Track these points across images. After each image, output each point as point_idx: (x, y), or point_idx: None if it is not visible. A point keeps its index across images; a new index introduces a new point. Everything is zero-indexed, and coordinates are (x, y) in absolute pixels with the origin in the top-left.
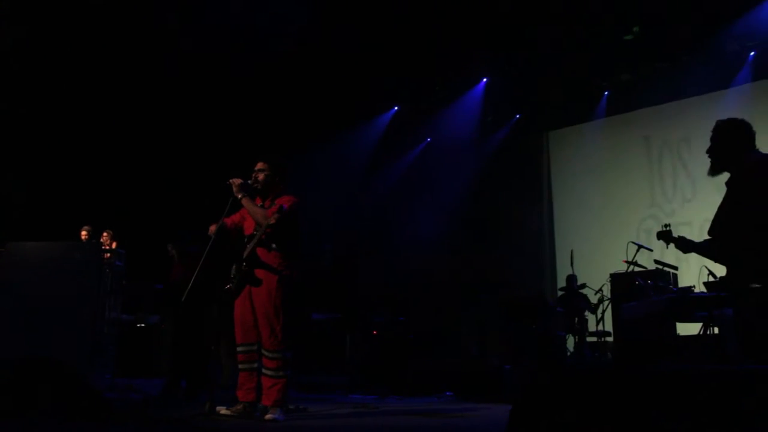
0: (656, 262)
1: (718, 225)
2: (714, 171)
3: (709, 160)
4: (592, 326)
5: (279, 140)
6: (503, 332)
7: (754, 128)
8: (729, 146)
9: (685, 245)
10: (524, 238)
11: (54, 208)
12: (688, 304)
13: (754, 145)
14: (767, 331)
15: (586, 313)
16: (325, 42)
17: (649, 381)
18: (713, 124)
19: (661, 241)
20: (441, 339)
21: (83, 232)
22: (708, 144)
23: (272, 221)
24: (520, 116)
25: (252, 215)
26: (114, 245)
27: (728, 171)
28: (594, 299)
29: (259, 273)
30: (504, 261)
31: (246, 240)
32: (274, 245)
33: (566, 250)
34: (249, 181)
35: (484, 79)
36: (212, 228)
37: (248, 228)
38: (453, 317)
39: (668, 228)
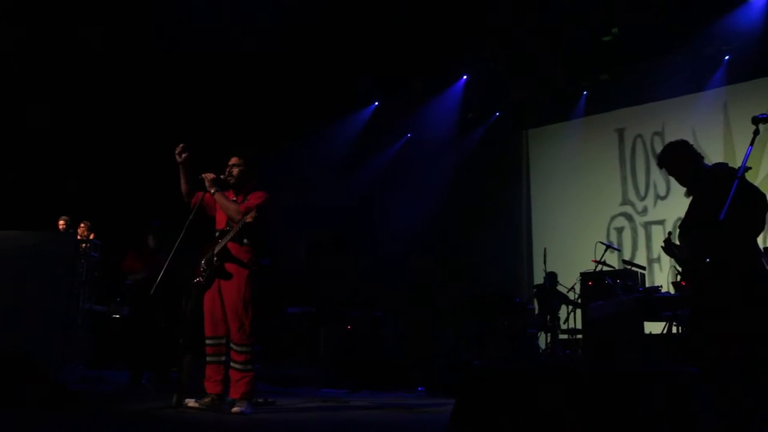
0: (624, 262)
1: (683, 233)
2: (690, 192)
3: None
4: (564, 324)
5: (259, 135)
6: (476, 329)
7: (730, 129)
8: (686, 167)
9: (669, 250)
10: (503, 236)
11: (33, 198)
12: (653, 303)
13: (699, 155)
14: (708, 329)
15: (569, 310)
16: (306, 37)
17: (580, 379)
18: (689, 123)
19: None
20: (416, 334)
21: (61, 222)
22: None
23: (249, 220)
24: (500, 114)
25: (224, 210)
26: (92, 236)
27: (696, 185)
28: (571, 297)
29: (230, 267)
30: (482, 258)
31: (218, 234)
32: (245, 240)
33: (544, 247)
34: (222, 176)
35: (464, 77)
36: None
37: (220, 222)
38: (428, 313)
39: (669, 236)
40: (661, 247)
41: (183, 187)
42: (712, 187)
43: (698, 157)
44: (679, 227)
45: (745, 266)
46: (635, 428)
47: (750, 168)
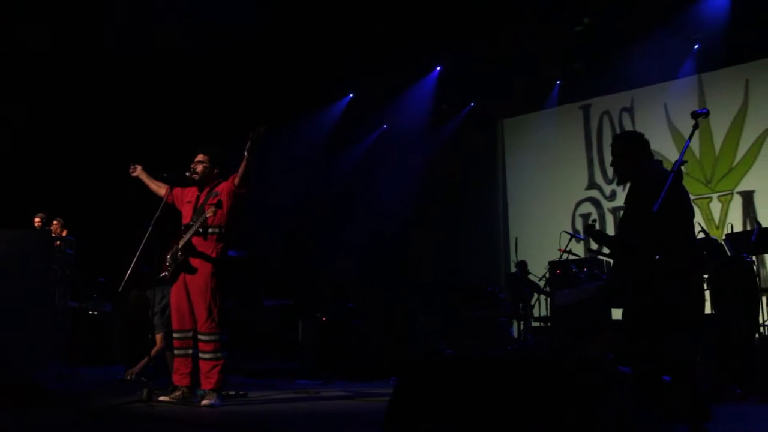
0: (589, 250)
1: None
2: (621, 181)
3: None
4: (537, 312)
5: (235, 127)
6: (449, 318)
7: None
8: (629, 158)
9: (599, 239)
10: (479, 226)
11: (7, 196)
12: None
13: (650, 154)
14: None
15: (534, 299)
16: (280, 29)
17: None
18: (661, 111)
19: (598, 228)
20: (391, 324)
21: (36, 220)
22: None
23: (209, 214)
24: (475, 104)
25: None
26: (65, 233)
27: (631, 180)
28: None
29: (195, 262)
30: (458, 248)
31: (183, 229)
32: (211, 230)
33: (519, 236)
34: (187, 173)
35: (438, 68)
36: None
37: (186, 217)
38: (403, 303)
39: (593, 223)
40: (586, 234)
41: (155, 191)
42: (644, 186)
43: (638, 160)
44: (620, 222)
45: (685, 254)
46: (553, 415)
47: (686, 161)
